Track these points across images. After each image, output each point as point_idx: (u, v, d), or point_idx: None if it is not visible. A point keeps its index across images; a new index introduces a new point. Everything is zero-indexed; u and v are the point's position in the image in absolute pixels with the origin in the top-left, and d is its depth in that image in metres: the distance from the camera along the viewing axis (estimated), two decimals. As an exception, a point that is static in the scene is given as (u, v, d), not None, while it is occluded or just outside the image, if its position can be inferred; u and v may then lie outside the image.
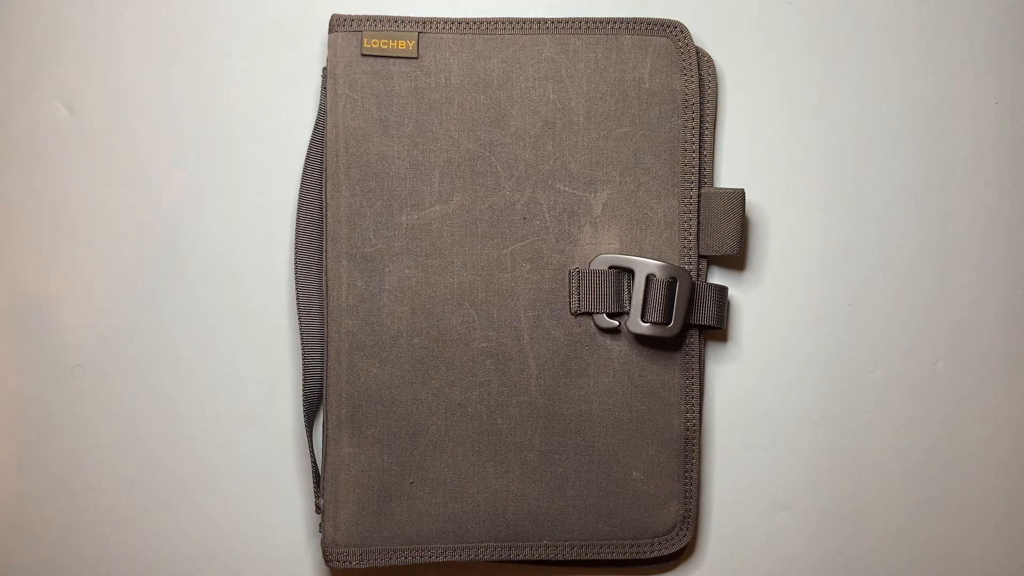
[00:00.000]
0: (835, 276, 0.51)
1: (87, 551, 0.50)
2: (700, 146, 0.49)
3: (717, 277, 0.51)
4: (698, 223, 0.49)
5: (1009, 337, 0.51)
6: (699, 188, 0.49)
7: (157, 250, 0.51)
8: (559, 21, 0.48)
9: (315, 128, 0.50)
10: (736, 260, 0.51)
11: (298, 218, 0.49)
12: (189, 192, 0.51)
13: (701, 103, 0.49)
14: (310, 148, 0.50)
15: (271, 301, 0.51)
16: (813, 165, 0.51)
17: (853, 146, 0.51)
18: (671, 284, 0.47)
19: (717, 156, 0.51)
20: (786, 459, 0.51)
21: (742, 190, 0.49)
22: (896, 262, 0.51)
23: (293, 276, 0.50)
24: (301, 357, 0.49)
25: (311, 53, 0.51)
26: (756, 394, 0.51)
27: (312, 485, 0.49)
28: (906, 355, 0.51)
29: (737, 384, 0.51)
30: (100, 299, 0.50)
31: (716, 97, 0.50)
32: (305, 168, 0.49)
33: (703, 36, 0.51)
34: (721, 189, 0.49)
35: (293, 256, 0.50)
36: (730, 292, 0.50)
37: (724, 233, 0.49)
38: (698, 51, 0.50)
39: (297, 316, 0.49)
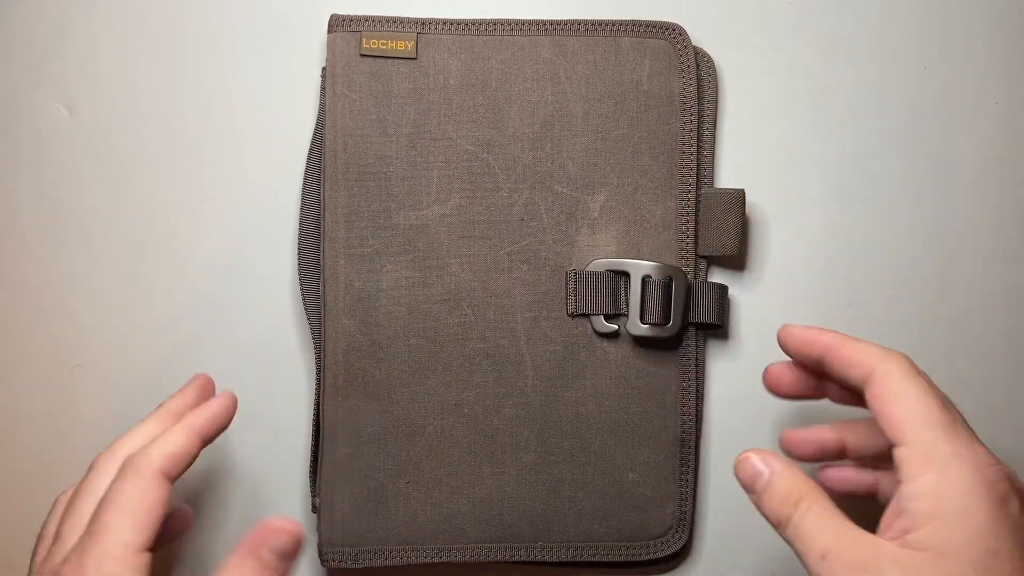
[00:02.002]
0: (835, 276, 0.51)
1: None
2: (699, 146, 0.49)
3: (717, 277, 0.51)
4: (696, 224, 0.49)
5: (1009, 337, 0.51)
6: (697, 189, 0.49)
7: (157, 250, 0.51)
8: (558, 23, 0.48)
9: (316, 128, 0.50)
10: (736, 260, 0.51)
11: (301, 218, 0.49)
12: (189, 192, 0.51)
13: (700, 103, 0.49)
14: (311, 148, 0.50)
15: (271, 301, 0.51)
16: (813, 164, 0.51)
17: (853, 146, 0.51)
18: (667, 284, 0.47)
19: (717, 156, 0.51)
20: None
21: (742, 190, 0.49)
22: (896, 262, 0.51)
23: (294, 276, 0.50)
24: (315, 356, 0.49)
25: (312, 53, 0.51)
26: (756, 394, 0.50)
27: (308, 485, 0.49)
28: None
29: (737, 384, 0.51)
30: (100, 299, 0.51)
31: (716, 97, 0.50)
32: (307, 168, 0.49)
33: (703, 36, 0.50)
34: (721, 189, 0.49)
35: (296, 256, 0.50)
36: (730, 292, 0.50)
37: (724, 233, 0.49)
38: (697, 51, 0.50)
39: (305, 316, 0.49)
